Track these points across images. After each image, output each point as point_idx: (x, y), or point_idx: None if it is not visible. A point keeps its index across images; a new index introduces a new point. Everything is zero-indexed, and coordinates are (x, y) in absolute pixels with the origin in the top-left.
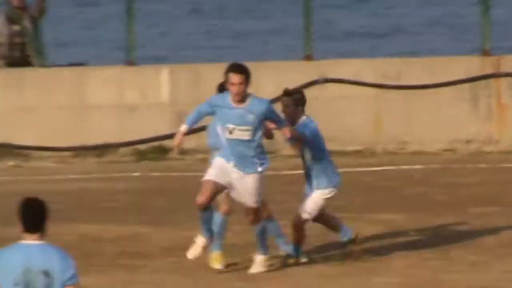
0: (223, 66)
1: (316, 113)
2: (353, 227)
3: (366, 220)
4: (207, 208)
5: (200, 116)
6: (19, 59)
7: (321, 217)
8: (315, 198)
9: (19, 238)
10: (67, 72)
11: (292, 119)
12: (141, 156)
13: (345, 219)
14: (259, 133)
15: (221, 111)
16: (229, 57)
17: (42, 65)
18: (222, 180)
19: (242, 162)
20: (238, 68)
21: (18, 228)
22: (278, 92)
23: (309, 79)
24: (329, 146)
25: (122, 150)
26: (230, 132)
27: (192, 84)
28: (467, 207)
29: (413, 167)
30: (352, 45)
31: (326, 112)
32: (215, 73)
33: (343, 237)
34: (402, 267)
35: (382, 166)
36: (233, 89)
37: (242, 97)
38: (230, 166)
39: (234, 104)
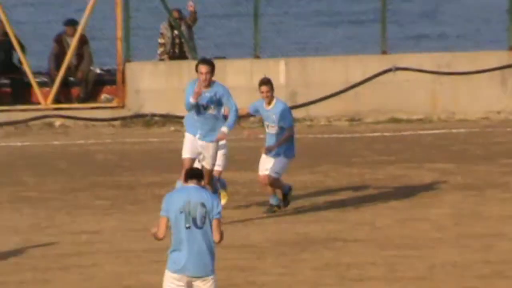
0: (324, 59)
1: (389, 92)
2: (417, 176)
3: (426, 168)
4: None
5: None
6: (178, 54)
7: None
8: (283, 163)
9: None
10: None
11: (269, 102)
12: None
13: (410, 168)
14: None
15: None
16: (329, 50)
17: (194, 58)
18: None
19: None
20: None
21: (179, 175)
22: (362, 77)
23: (385, 67)
24: (399, 116)
25: (251, 119)
26: None
27: (300, 71)
28: (498, 159)
29: (459, 131)
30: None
31: (397, 92)
32: (317, 63)
33: (273, 201)
34: (451, 201)
35: (437, 130)
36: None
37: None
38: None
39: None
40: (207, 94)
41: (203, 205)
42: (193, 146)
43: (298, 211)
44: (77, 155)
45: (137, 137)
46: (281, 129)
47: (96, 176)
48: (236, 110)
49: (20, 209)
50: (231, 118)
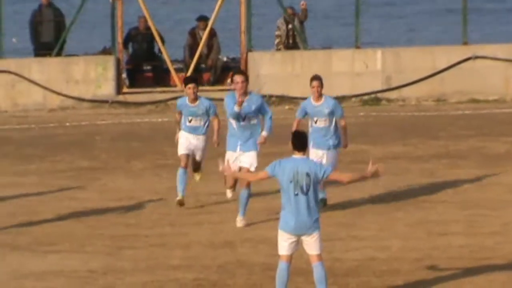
0: (414, 49)
1: (470, 77)
2: (494, 147)
3: (501, 141)
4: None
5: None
6: (292, 45)
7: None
8: (337, 155)
9: (289, 153)
10: (319, 52)
11: (319, 97)
12: (364, 103)
13: (487, 141)
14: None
15: None
16: (419, 42)
17: (305, 48)
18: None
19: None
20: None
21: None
22: (447, 64)
23: (466, 56)
24: (478, 97)
25: (353, 99)
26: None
27: (394, 59)
28: None
29: None
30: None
31: (476, 77)
32: (408, 52)
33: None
34: None
35: (510, 109)
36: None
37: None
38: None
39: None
40: (245, 103)
41: (308, 175)
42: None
43: (393, 176)
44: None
45: None
46: (331, 121)
47: (223, 147)
48: (271, 117)
49: (159, 174)
50: (268, 123)
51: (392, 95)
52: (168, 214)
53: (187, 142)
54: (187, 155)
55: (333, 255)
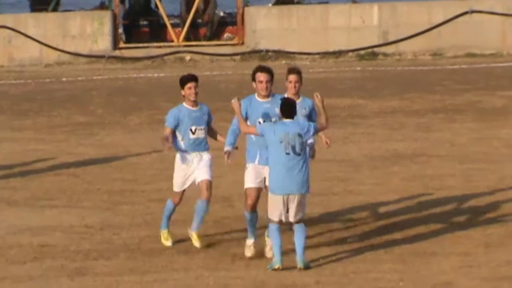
0: (410, 3)
1: (466, 31)
2: (490, 101)
3: (497, 96)
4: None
5: None
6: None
7: None
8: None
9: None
10: (316, 7)
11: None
12: (361, 57)
13: (484, 95)
14: None
15: None
16: None
17: (301, 3)
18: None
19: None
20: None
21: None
22: (443, 19)
23: (462, 10)
24: (474, 51)
25: (350, 54)
26: None
27: (391, 14)
28: None
29: None
30: None
31: (472, 31)
32: (405, 7)
33: None
34: None
35: (506, 63)
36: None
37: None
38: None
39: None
40: (267, 104)
41: (299, 135)
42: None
43: (389, 130)
44: (204, 84)
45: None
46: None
47: (221, 102)
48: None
49: (156, 129)
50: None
51: (389, 49)
52: (164, 169)
53: (188, 169)
54: (184, 191)
55: (329, 209)
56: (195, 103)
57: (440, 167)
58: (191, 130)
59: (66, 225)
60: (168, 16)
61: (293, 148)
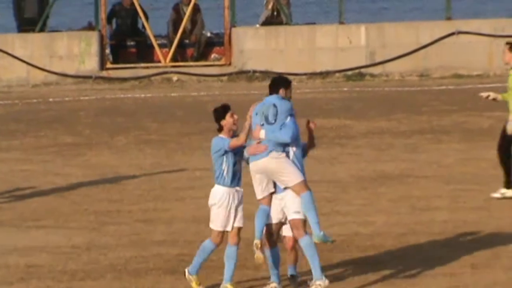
0: (398, 24)
1: (453, 52)
2: (477, 122)
3: (485, 116)
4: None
5: None
6: (276, 20)
7: None
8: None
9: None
10: (303, 28)
11: None
12: (348, 78)
13: (471, 116)
14: None
15: None
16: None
17: (288, 24)
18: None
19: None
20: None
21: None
22: (430, 40)
23: (449, 31)
24: (461, 72)
25: (337, 74)
26: None
27: (378, 35)
28: None
29: None
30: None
31: (459, 52)
32: (392, 28)
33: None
34: None
35: (493, 84)
36: None
37: None
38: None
39: None
40: None
41: (274, 105)
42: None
43: (377, 151)
44: (191, 105)
45: (241, 90)
46: None
47: (207, 122)
48: None
49: (143, 149)
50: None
51: (376, 70)
52: (151, 189)
53: (231, 207)
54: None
55: None
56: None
57: (427, 188)
58: (231, 162)
59: (53, 246)
60: (155, 37)
61: (266, 118)
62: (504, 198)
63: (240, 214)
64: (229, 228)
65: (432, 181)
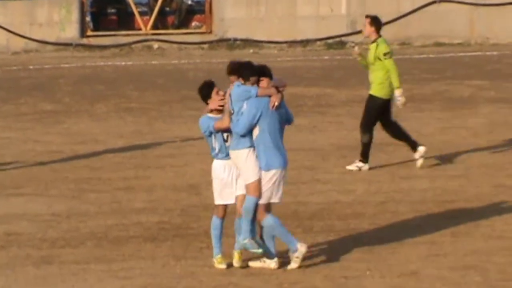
0: None
1: (434, 21)
2: (458, 90)
3: (465, 85)
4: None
5: None
6: None
7: None
8: None
9: None
10: None
11: None
12: (329, 46)
13: (451, 84)
14: None
15: None
16: None
17: None
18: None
19: None
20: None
21: None
22: (411, 8)
23: (430, 0)
24: (442, 40)
25: (318, 43)
26: None
27: (359, 3)
28: None
29: (492, 53)
30: None
31: (440, 20)
32: None
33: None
34: (486, 112)
35: (474, 52)
36: None
37: None
38: None
39: None
40: None
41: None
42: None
43: (357, 119)
44: (171, 72)
45: (221, 58)
46: None
47: (188, 90)
48: None
49: (124, 117)
50: None
51: (357, 38)
52: (132, 157)
53: (227, 179)
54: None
55: (297, 198)
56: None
57: (408, 157)
58: (222, 138)
59: (33, 213)
60: (136, 4)
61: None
62: (360, 170)
63: (240, 182)
64: (231, 201)
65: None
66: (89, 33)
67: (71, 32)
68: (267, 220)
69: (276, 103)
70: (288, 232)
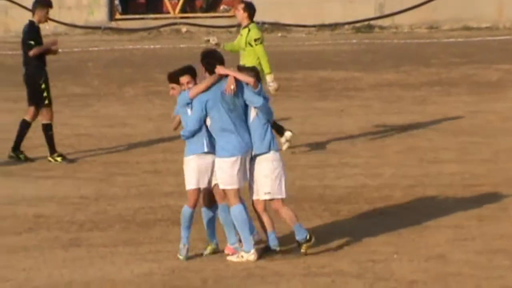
0: None
1: (463, 4)
2: (485, 75)
3: (493, 69)
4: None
5: None
6: None
7: None
8: None
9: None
10: None
11: None
12: (357, 30)
13: (480, 68)
14: None
15: None
16: None
17: None
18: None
19: None
20: None
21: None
22: None
23: None
24: (471, 24)
25: (346, 26)
26: None
27: None
28: None
29: None
30: None
31: (469, 4)
32: None
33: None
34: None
35: (503, 36)
36: None
37: None
38: None
39: None
40: None
41: None
42: None
43: (385, 103)
44: (199, 56)
45: None
46: None
47: None
48: None
49: (152, 100)
50: None
51: (385, 22)
52: (160, 140)
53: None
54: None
55: (324, 182)
56: None
57: (435, 140)
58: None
59: (61, 196)
60: None
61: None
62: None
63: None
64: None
65: (440, 133)
66: (118, 16)
67: (99, 15)
68: (235, 209)
69: (232, 87)
70: (249, 232)
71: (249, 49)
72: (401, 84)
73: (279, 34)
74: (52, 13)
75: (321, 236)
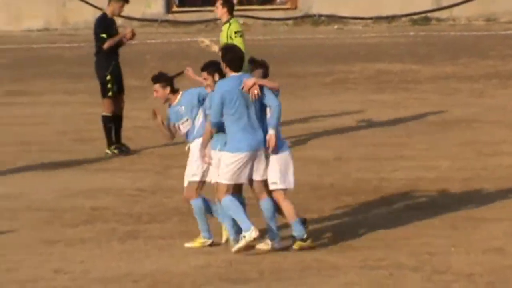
0: None
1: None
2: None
3: None
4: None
5: None
6: None
7: None
8: None
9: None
10: None
11: None
12: (414, 22)
13: (507, 57)
14: None
15: None
16: None
17: None
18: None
19: None
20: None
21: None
22: None
23: None
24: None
25: (403, 19)
26: None
27: None
28: None
29: None
30: None
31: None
32: None
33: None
34: None
35: None
36: None
37: None
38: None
39: None
40: None
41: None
42: None
43: (442, 96)
44: (256, 49)
45: (306, 34)
46: None
47: (273, 66)
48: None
49: None
50: None
51: (443, 14)
52: None
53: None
54: None
55: (380, 174)
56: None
57: (493, 133)
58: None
59: (118, 188)
60: None
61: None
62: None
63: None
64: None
65: (498, 126)
66: (175, 9)
67: (156, 8)
68: (225, 200)
69: (256, 92)
70: (244, 213)
71: (230, 43)
72: (458, 76)
73: (336, 27)
74: None
75: (377, 228)
